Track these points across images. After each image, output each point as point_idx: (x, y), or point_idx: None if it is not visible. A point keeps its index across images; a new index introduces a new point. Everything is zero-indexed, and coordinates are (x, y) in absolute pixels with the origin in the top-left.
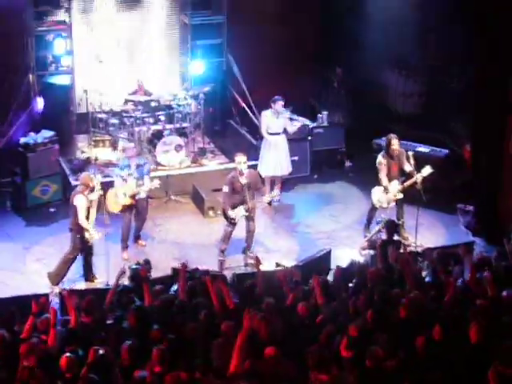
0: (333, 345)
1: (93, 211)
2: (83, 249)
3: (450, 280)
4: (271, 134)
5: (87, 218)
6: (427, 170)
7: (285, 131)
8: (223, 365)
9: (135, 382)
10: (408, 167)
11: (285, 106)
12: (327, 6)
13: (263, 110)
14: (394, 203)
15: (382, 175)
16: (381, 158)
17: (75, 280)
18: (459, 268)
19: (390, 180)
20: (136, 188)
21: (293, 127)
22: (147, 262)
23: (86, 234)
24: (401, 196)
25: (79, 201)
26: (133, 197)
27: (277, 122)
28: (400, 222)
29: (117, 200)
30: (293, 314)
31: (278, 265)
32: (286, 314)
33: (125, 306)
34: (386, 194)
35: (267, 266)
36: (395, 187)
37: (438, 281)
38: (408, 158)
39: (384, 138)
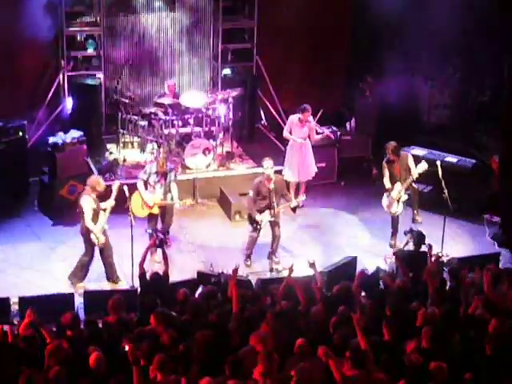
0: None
1: (103, 215)
2: (101, 250)
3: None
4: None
5: (95, 220)
6: (423, 167)
7: (309, 138)
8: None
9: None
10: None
11: (313, 116)
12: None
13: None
14: (403, 204)
15: (384, 179)
16: (383, 164)
17: (99, 280)
18: (475, 277)
19: (394, 183)
20: (163, 198)
21: (316, 137)
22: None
23: (92, 236)
24: (405, 197)
25: (85, 202)
26: (160, 207)
27: (302, 130)
28: (419, 222)
29: (144, 207)
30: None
31: (311, 265)
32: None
33: (147, 307)
34: (389, 196)
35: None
36: (397, 188)
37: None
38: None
39: (412, 147)
